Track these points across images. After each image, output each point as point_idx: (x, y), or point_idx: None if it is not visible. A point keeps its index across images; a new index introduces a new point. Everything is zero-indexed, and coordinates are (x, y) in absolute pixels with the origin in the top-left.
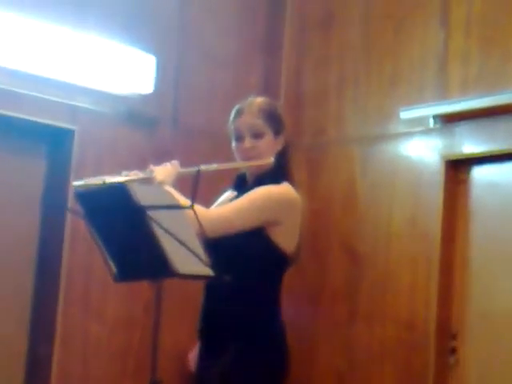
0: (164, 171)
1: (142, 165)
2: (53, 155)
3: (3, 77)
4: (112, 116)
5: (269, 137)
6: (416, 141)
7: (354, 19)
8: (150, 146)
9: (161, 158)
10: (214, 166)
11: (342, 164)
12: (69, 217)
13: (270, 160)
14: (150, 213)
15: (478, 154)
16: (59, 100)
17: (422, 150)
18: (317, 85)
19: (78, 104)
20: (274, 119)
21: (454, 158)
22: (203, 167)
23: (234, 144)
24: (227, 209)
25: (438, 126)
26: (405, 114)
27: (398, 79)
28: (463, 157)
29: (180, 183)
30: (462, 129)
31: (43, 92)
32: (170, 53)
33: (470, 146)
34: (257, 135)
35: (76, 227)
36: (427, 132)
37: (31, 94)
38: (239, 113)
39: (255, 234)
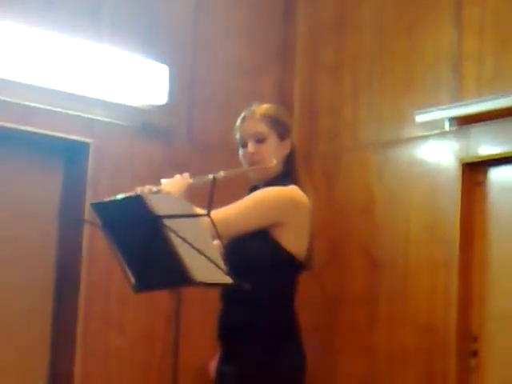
0: (172, 183)
1: (157, 176)
2: (69, 168)
3: (18, 91)
4: (127, 128)
5: (272, 141)
6: (432, 144)
7: (366, 24)
8: (165, 158)
9: (176, 169)
10: (221, 174)
11: (358, 170)
12: (86, 229)
13: (273, 162)
14: (167, 222)
15: (494, 155)
16: (74, 113)
17: (438, 153)
18: (331, 92)
19: (93, 117)
20: (277, 123)
21: (471, 160)
22: (211, 176)
23: (240, 151)
24: (232, 210)
25: (453, 128)
26: (420, 118)
27: (412, 83)
28: (480, 159)
29: (191, 195)
30: (477, 130)
31: (58, 105)
32: (184, 64)
33: (486, 148)
34: (260, 140)
35: (94, 239)
36: (443, 135)
37: (46, 107)
38: (242, 120)
39: (260, 237)
